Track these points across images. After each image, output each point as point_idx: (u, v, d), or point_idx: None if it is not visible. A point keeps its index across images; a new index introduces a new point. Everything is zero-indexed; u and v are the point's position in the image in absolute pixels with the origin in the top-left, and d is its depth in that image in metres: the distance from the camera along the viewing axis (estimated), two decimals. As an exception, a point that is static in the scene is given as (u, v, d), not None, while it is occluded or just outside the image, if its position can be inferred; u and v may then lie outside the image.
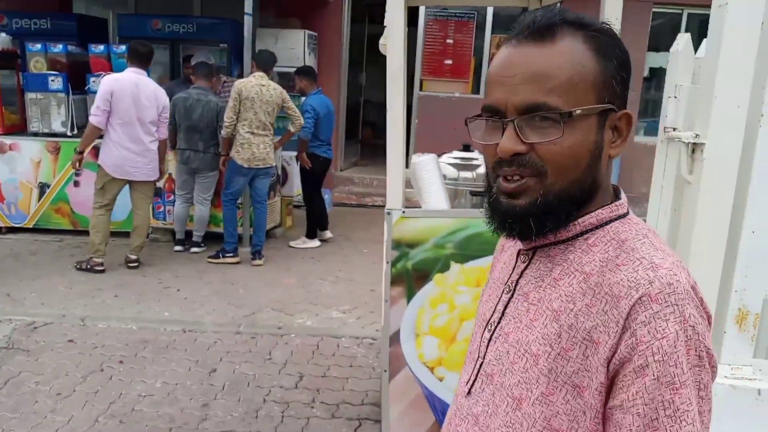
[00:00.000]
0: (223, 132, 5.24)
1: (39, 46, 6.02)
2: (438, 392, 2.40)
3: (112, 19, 8.53)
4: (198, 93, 5.44)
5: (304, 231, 6.24)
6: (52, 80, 5.91)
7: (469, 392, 0.93)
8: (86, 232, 5.94)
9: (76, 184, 5.96)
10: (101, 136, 4.98)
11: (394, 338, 2.36)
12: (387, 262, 2.27)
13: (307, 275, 5.13)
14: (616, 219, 0.87)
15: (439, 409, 2.43)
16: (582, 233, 0.86)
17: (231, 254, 5.42)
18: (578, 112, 0.79)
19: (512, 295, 0.90)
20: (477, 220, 2.24)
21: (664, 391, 0.74)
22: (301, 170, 5.96)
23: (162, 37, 7.52)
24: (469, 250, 2.26)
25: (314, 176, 5.93)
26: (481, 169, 3.13)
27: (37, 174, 6.07)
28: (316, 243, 6.04)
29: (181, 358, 3.61)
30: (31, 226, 6.10)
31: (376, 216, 7.51)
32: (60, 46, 6.06)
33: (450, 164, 3.07)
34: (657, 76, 8.12)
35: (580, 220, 0.85)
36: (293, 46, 7.55)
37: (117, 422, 2.98)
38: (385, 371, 2.39)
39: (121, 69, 5.87)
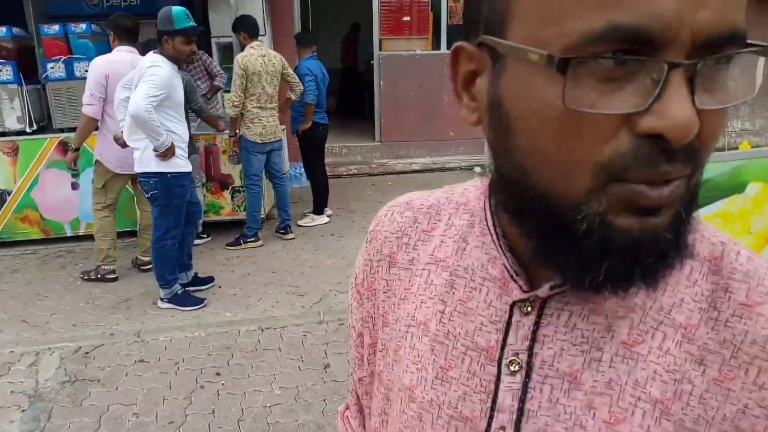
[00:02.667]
0: (231, 112, 4.81)
1: (-24, 31, 5.14)
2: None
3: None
4: None
5: (303, 209, 5.92)
6: (0, 70, 5.08)
7: None
8: (62, 240, 5.35)
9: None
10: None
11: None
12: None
13: (344, 253, 4.83)
14: None
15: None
16: None
17: (253, 239, 5.02)
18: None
19: (527, 376, 0.52)
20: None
21: None
22: (301, 142, 5.58)
23: (100, 14, 6.69)
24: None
25: (317, 146, 5.59)
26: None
27: (-6, 181, 5.26)
28: (324, 219, 5.71)
29: (281, 359, 3.27)
30: (-8, 241, 5.31)
31: (358, 185, 7.28)
32: (4, 30, 5.20)
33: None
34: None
35: None
36: (251, 12, 6.97)
37: (260, 440, 2.66)
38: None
39: (82, 51, 5.25)
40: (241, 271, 4.55)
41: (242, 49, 5.01)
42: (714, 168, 2.15)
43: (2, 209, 5.27)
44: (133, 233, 5.28)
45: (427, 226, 0.62)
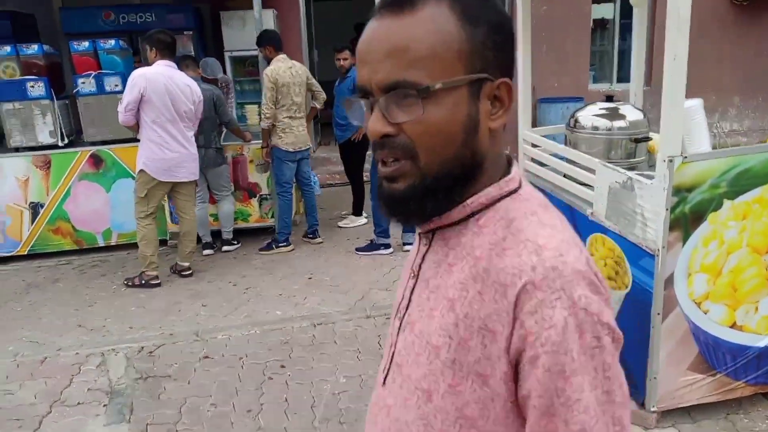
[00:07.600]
0: (264, 124, 5.03)
1: (9, 48, 5.29)
2: (703, 325, 2.58)
3: (43, 15, 7.61)
4: None
5: (324, 215, 6.13)
6: (32, 86, 5.23)
7: (384, 382, 0.89)
8: (94, 250, 5.51)
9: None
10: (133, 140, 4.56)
11: (668, 281, 2.49)
12: (666, 209, 2.38)
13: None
14: (507, 195, 0.81)
15: (702, 341, 2.61)
16: (473, 214, 0.80)
17: (284, 243, 5.24)
18: (438, 86, 0.73)
19: (417, 280, 0.86)
20: (745, 157, 2.41)
21: (556, 381, 0.70)
22: (345, 150, 5.76)
23: (117, 30, 6.89)
24: (739, 185, 2.43)
25: (361, 154, 5.75)
26: (632, 116, 3.28)
27: (27, 194, 5.40)
28: (363, 220, 5.93)
29: (340, 351, 3.49)
30: (25, 253, 5.44)
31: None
32: (35, 47, 5.37)
33: (600, 116, 3.22)
34: (601, 26, 8.69)
35: (469, 201, 0.79)
36: (265, 26, 7.20)
37: (336, 423, 2.87)
38: (658, 314, 2.51)
39: (111, 66, 5.43)
40: (279, 273, 4.76)
41: (268, 62, 5.22)
42: (752, 158, 2.43)
43: (35, 222, 5.43)
44: (163, 242, 5.46)
45: None
